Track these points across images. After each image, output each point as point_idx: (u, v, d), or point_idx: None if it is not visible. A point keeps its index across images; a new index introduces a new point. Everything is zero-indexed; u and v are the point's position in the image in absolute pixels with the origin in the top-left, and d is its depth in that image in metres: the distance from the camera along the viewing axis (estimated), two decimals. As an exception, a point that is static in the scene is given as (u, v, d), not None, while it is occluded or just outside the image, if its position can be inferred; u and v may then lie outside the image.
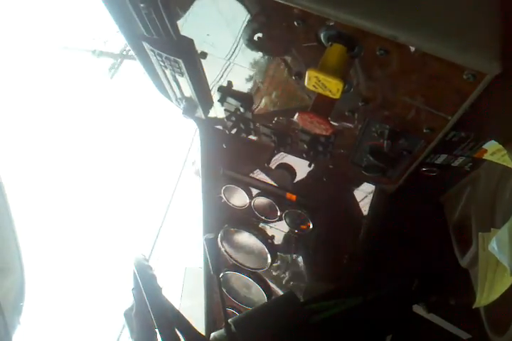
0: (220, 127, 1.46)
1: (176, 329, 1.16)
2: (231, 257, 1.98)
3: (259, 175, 1.64)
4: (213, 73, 1.20)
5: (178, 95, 1.36)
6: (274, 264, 1.90)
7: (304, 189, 1.58)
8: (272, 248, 1.84)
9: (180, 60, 1.15)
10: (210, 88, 1.27)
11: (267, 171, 1.61)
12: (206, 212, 1.88)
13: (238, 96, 1.22)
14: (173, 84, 1.30)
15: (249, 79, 1.16)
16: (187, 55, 1.14)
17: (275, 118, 1.26)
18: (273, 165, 1.56)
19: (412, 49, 0.77)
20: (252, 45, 1.01)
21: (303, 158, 1.40)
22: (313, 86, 0.83)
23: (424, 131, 0.97)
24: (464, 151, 1.05)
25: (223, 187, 1.72)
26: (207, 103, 1.34)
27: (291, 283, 1.94)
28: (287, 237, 1.82)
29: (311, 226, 1.64)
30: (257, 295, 2.04)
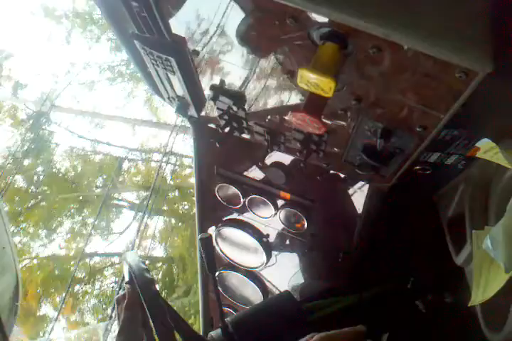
0: (213, 126, 1.45)
1: (174, 329, 1.16)
2: (226, 256, 1.98)
3: (253, 173, 1.64)
4: (206, 71, 1.20)
5: (171, 93, 1.35)
6: (270, 263, 1.90)
7: (298, 187, 1.58)
8: (267, 247, 1.84)
9: (172, 59, 1.14)
10: (203, 86, 1.26)
11: (261, 170, 1.60)
12: (200, 211, 1.88)
13: (231, 94, 1.22)
14: (166, 82, 1.29)
15: (242, 77, 1.15)
16: (179, 54, 1.14)
17: (268, 117, 1.26)
18: (267, 163, 1.55)
19: (405, 47, 0.77)
20: (245, 43, 1.00)
21: (296, 156, 1.40)
22: (306, 84, 0.82)
23: (417, 129, 0.97)
24: (457, 149, 1.05)
25: (217, 186, 1.72)
26: (199, 101, 1.33)
27: (288, 281, 1.94)
28: (282, 236, 1.82)
29: (305, 225, 1.64)
30: (253, 294, 2.04)
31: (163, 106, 12.07)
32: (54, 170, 11.60)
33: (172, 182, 11.44)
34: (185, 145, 12.03)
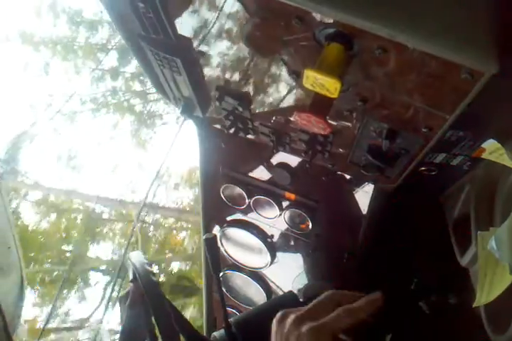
0: (218, 126, 1.46)
1: (177, 330, 1.16)
2: (230, 256, 1.98)
3: (258, 174, 1.64)
4: (211, 72, 1.20)
5: (177, 94, 1.36)
6: (274, 263, 1.90)
7: (303, 188, 1.58)
8: (272, 247, 1.85)
9: (177, 60, 1.15)
10: (209, 87, 1.27)
11: (266, 170, 1.61)
12: (205, 211, 1.88)
13: (236, 95, 1.22)
14: (171, 83, 1.30)
15: (248, 78, 1.15)
16: (185, 54, 1.14)
17: (273, 118, 1.26)
18: (272, 164, 1.56)
19: (410, 48, 0.77)
20: (251, 44, 1.01)
21: (302, 157, 1.40)
22: (311, 85, 0.82)
23: (423, 130, 0.97)
24: (463, 150, 1.04)
25: (222, 187, 1.72)
26: (205, 102, 1.34)
27: (292, 282, 1.94)
28: (287, 236, 1.82)
29: (310, 226, 1.64)
30: (257, 294, 2.04)
31: (151, 138, 11.31)
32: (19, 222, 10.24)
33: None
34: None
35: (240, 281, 2.07)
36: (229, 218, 1.88)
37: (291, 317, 0.86)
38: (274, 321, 0.91)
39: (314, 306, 0.89)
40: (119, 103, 11.44)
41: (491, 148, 1.00)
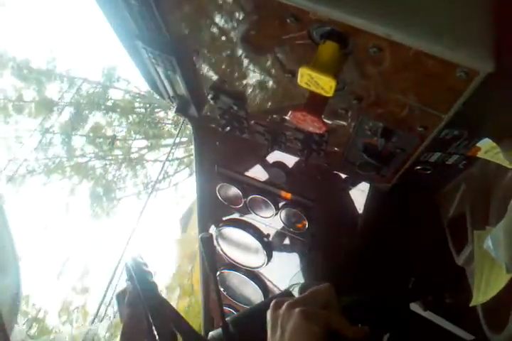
0: (213, 125, 1.45)
1: (174, 329, 1.16)
2: (227, 256, 1.98)
3: (254, 173, 1.64)
4: (207, 70, 1.19)
5: (171, 93, 1.35)
6: (271, 262, 1.90)
7: (298, 187, 1.58)
8: (268, 246, 1.84)
9: (172, 58, 1.14)
10: (204, 86, 1.26)
11: (262, 169, 1.60)
12: (201, 210, 1.88)
13: (231, 94, 1.22)
14: (166, 82, 1.29)
15: (243, 77, 1.15)
16: (179, 53, 1.14)
17: (269, 117, 1.26)
18: (267, 163, 1.55)
19: (405, 47, 0.76)
20: (246, 42, 1.00)
21: (297, 156, 1.40)
22: (306, 83, 0.82)
23: (418, 129, 0.97)
24: (458, 149, 1.04)
25: (218, 186, 1.71)
26: (200, 101, 1.33)
27: (288, 281, 1.94)
28: (283, 236, 1.82)
29: (306, 225, 1.64)
30: (254, 293, 2.05)
31: (113, 208, 10.05)
32: None
33: None
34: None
35: (236, 280, 2.07)
36: (225, 217, 1.87)
37: (286, 303, 0.88)
38: (269, 309, 0.92)
39: (310, 295, 0.91)
40: (76, 165, 10.02)
41: (486, 147, 1.00)
